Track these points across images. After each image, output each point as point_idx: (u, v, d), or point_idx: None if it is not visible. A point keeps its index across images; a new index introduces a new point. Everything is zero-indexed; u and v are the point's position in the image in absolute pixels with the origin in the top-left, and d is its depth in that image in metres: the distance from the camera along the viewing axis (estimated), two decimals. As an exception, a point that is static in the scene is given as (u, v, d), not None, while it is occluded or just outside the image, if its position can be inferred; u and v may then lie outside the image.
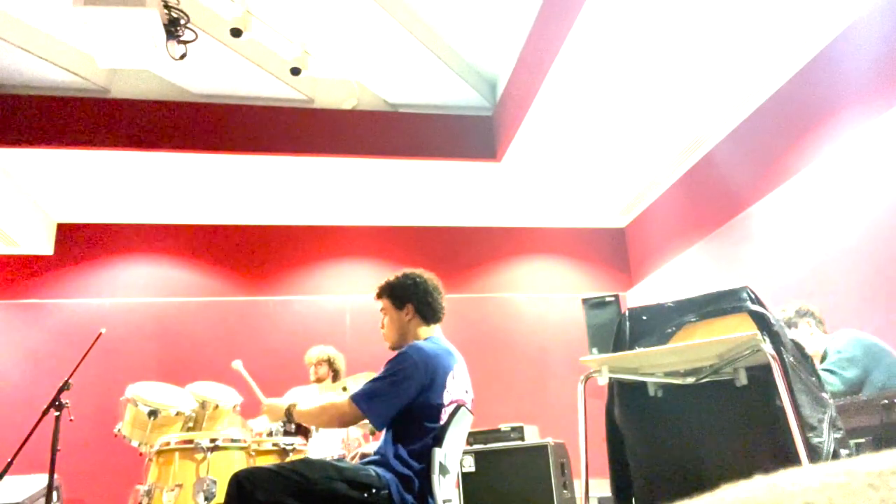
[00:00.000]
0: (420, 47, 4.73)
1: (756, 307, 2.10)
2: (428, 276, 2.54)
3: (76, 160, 5.06)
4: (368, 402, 2.20)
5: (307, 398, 3.44)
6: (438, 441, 2.17)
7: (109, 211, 5.87)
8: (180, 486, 2.64)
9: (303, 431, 3.04)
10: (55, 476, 3.28)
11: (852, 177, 3.86)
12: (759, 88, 4.54)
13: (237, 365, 3.34)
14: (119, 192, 5.57)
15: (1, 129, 4.79)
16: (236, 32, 4.27)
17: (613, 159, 5.51)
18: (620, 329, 2.40)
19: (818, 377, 2.08)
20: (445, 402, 2.24)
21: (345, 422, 2.30)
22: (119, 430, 3.20)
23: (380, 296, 2.54)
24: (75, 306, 5.70)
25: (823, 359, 3.12)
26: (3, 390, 5.33)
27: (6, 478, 3.30)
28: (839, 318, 3.83)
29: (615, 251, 6.74)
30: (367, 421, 2.25)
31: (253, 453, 2.83)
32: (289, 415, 2.40)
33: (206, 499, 2.61)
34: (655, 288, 6.13)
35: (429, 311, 2.48)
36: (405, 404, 2.20)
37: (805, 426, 1.87)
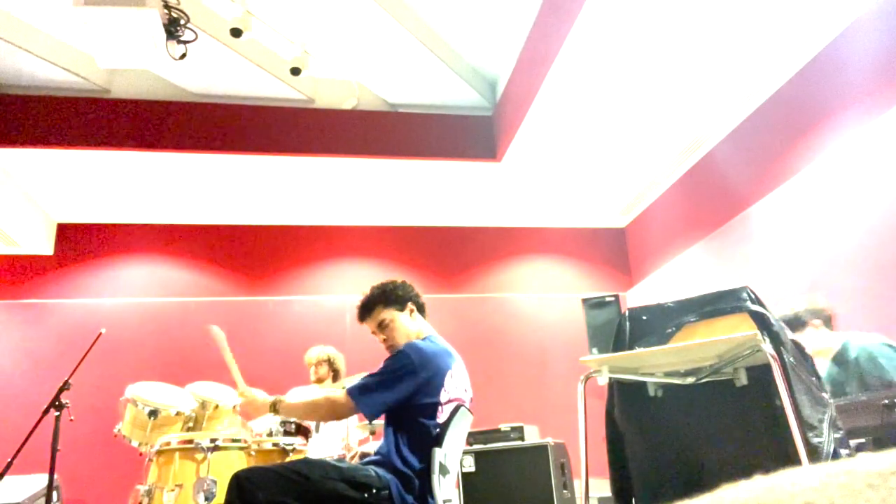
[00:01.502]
0: (420, 47, 4.73)
1: (756, 307, 2.10)
2: (399, 278, 2.58)
3: (76, 160, 5.06)
4: (361, 395, 2.22)
5: (304, 395, 3.44)
6: (438, 441, 2.18)
7: (109, 211, 5.87)
8: (180, 486, 2.64)
9: (303, 431, 3.04)
10: (55, 476, 3.28)
11: (852, 177, 3.86)
12: (759, 88, 4.54)
13: (216, 331, 2.71)
14: (119, 192, 5.57)
15: (1, 129, 4.79)
16: (236, 32, 4.27)
17: (613, 159, 5.51)
18: (620, 329, 2.40)
19: (818, 377, 2.08)
20: (443, 400, 2.25)
21: (337, 414, 2.29)
22: (119, 430, 3.19)
23: (369, 311, 2.43)
24: (75, 306, 5.70)
25: (837, 355, 3.04)
26: (3, 390, 5.33)
27: (6, 478, 3.30)
28: (840, 318, 3.83)
29: (615, 251, 6.74)
30: (367, 422, 2.25)
31: (253, 453, 2.83)
32: (274, 409, 2.38)
33: (207, 499, 2.61)
34: (655, 288, 6.13)
35: (422, 305, 2.54)
36: (399, 401, 2.20)
37: (805, 426, 1.87)
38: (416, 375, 2.21)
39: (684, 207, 5.72)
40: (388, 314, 2.43)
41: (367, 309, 2.45)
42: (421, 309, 2.51)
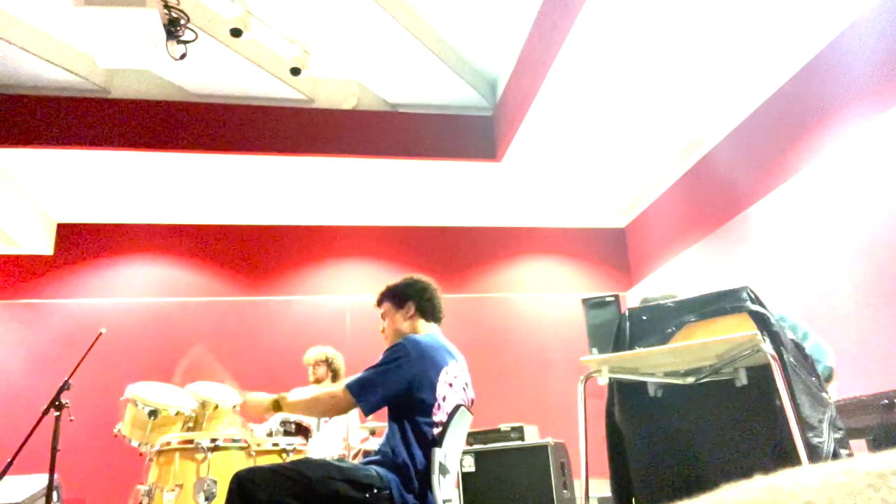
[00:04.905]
0: (420, 47, 4.73)
1: (756, 307, 2.10)
2: (426, 278, 2.62)
3: (76, 160, 5.06)
4: (360, 389, 2.22)
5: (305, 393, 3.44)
6: (438, 441, 2.17)
7: (109, 211, 5.87)
8: (180, 486, 2.64)
9: (303, 431, 3.04)
10: (55, 476, 3.28)
11: (852, 177, 3.86)
12: (759, 88, 4.54)
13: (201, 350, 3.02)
14: (119, 192, 5.57)
15: (1, 129, 4.79)
16: (236, 32, 4.27)
17: (613, 159, 5.51)
18: (620, 329, 2.40)
19: (818, 377, 2.08)
20: (439, 398, 2.24)
21: (338, 409, 2.31)
22: (119, 430, 3.19)
23: (380, 301, 2.60)
24: (75, 306, 5.70)
25: None
26: (3, 390, 5.33)
27: (6, 478, 3.30)
28: (839, 317, 3.84)
29: (615, 251, 6.74)
30: (367, 419, 2.25)
31: (253, 453, 2.82)
32: (277, 406, 2.40)
33: (207, 499, 2.61)
34: (655, 288, 6.12)
35: (429, 309, 2.53)
36: (396, 392, 2.20)
37: (805, 426, 1.87)
38: (411, 366, 2.21)
39: (684, 207, 5.72)
40: (387, 307, 2.56)
41: (379, 299, 2.62)
42: (424, 311, 2.53)
